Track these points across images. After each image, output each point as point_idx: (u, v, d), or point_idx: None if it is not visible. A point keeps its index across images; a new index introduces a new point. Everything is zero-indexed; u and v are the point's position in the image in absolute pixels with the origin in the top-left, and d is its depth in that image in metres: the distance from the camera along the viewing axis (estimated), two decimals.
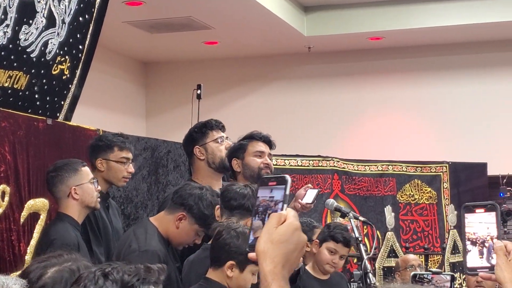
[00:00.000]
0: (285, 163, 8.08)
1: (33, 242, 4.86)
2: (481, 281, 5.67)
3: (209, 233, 4.52)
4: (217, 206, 4.59)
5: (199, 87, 8.56)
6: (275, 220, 1.95)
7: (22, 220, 4.85)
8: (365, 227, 7.72)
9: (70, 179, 4.66)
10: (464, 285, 7.48)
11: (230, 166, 5.32)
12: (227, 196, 4.55)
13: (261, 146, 5.36)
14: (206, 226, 4.48)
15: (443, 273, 4.31)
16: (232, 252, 4.02)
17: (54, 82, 5.42)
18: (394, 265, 7.41)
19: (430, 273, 4.25)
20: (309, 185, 5.69)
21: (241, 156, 5.28)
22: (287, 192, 1.97)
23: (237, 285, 4.07)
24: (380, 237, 8.06)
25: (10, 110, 4.93)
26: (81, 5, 5.54)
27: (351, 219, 5.61)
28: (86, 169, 4.75)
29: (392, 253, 8.31)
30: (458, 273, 8.01)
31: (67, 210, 4.67)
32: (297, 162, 8.15)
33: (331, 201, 6.14)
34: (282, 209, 1.97)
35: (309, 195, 5.37)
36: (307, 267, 5.72)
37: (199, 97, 8.52)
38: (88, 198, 4.69)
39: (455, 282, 4.58)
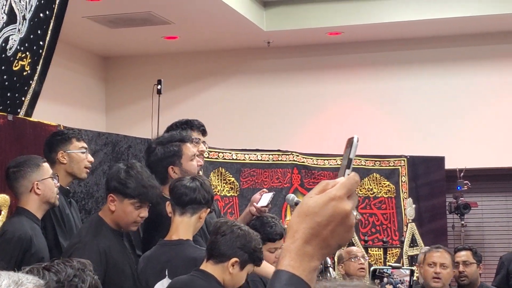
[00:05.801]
0: (245, 157, 8.13)
1: None
2: (439, 273, 5.76)
3: (145, 201, 4.51)
4: (168, 202, 4.63)
5: (159, 82, 8.55)
6: (317, 188, 1.65)
7: None
8: None
9: (33, 174, 4.71)
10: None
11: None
12: (177, 192, 4.58)
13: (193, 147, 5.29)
14: (137, 195, 4.47)
15: (403, 267, 4.38)
16: (239, 250, 4.12)
17: (15, 78, 5.41)
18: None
19: (390, 267, 4.30)
20: (264, 189, 5.75)
21: (177, 163, 5.11)
22: (351, 155, 1.71)
23: (234, 281, 4.17)
24: None
25: None
26: (42, 1, 5.53)
27: None
28: (47, 165, 4.80)
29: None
30: (416, 265, 8.11)
31: (26, 205, 4.71)
32: (256, 156, 8.19)
33: (291, 196, 6.17)
34: (343, 175, 1.67)
35: (264, 199, 5.42)
36: None
37: (159, 92, 8.51)
38: (49, 194, 4.73)
39: (413, 276, 4.65)
